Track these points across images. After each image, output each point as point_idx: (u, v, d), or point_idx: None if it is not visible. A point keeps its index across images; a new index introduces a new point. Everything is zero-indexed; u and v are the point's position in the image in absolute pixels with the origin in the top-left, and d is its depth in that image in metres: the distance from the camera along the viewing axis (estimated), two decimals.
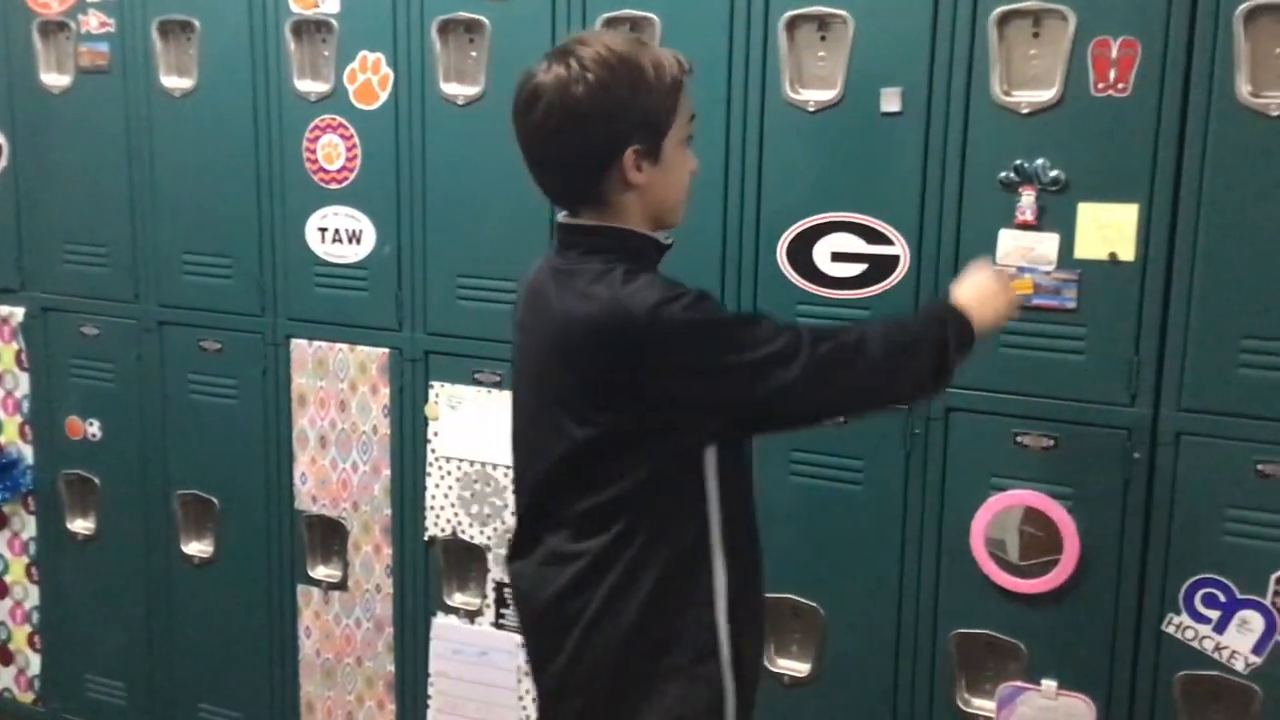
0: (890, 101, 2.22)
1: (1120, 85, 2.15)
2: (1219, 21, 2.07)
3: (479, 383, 2.79)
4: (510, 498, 2.72)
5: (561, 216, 1.80)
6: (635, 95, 1.66)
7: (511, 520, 2.74)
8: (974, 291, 1.91)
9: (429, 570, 2.91)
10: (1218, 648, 2.18)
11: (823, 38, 2.36)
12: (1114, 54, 2.15)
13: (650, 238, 1.76)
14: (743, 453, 1.85)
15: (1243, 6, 2.05)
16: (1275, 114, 2.05)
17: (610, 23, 2.53)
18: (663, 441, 1.70)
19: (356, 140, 2.84)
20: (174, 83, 3.03)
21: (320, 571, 3.06)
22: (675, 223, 1.81)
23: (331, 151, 2.87)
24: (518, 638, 2.79)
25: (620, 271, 1.67)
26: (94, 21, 3.07)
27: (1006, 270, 2.13)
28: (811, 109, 2.36)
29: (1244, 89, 2.06)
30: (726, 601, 1.75)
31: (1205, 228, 2.12)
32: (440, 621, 2.90)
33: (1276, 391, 2.10)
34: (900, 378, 1.79)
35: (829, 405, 1.83)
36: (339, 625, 3.04)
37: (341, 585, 3.02)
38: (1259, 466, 2.12)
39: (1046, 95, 2.20)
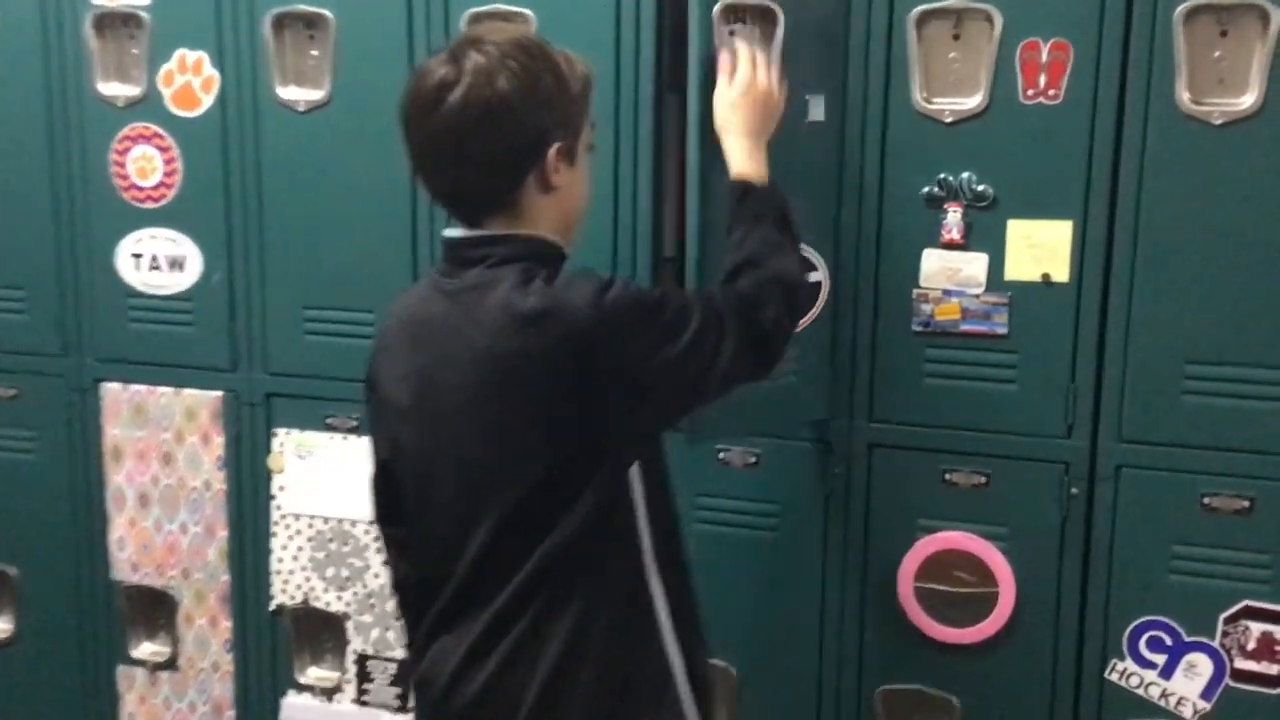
0: (816, 109, 1.99)
1: (1051, 92, 1.98)
2: (1156, 22, 1.92)
3: (331, 428, 2.46)
4: (373, 557, 2.41)
5: (456, 231, 1.57)
6: (557, 89, 1.52)
7: (375, 584, 2.43)
8: (743, 128, 1.77)
9: (276, 643, 2.55)
10: (1164, 694, 2.04)
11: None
12: (1044, 58, 1.98)
13: (559, 246, 1.58)
14: (663, 456, 1.64)
15: (1182, 6, 1.90)
16: (1218, 122, 1.92)
17: (478, 19, 2.23)
18: (604, 473, 1.51)
19: (176, 152, 2.46)
20: None
21: (145, 650, 2.68)
22: (573, 239, 1.63)
23: (145, 165, 2.48)
24: (385, 715, 2.47)
25: (541, 277, 1.49)
26: None
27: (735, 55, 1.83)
28: None
29: (1184, 96, 1.92)
30: (671, 622, 1.60)
31: (1144, 246, 1.98)
32: (291, 701, 2.55)
33: (1221, 419, 1.98)
34: (786, 280, 1.67)
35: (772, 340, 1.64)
36: (169, 710, 2.65)
37: (171, 664, 2.65)
38: (1205, 500, 2.00)
39: (971, 102, 2.02)
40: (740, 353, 1.56)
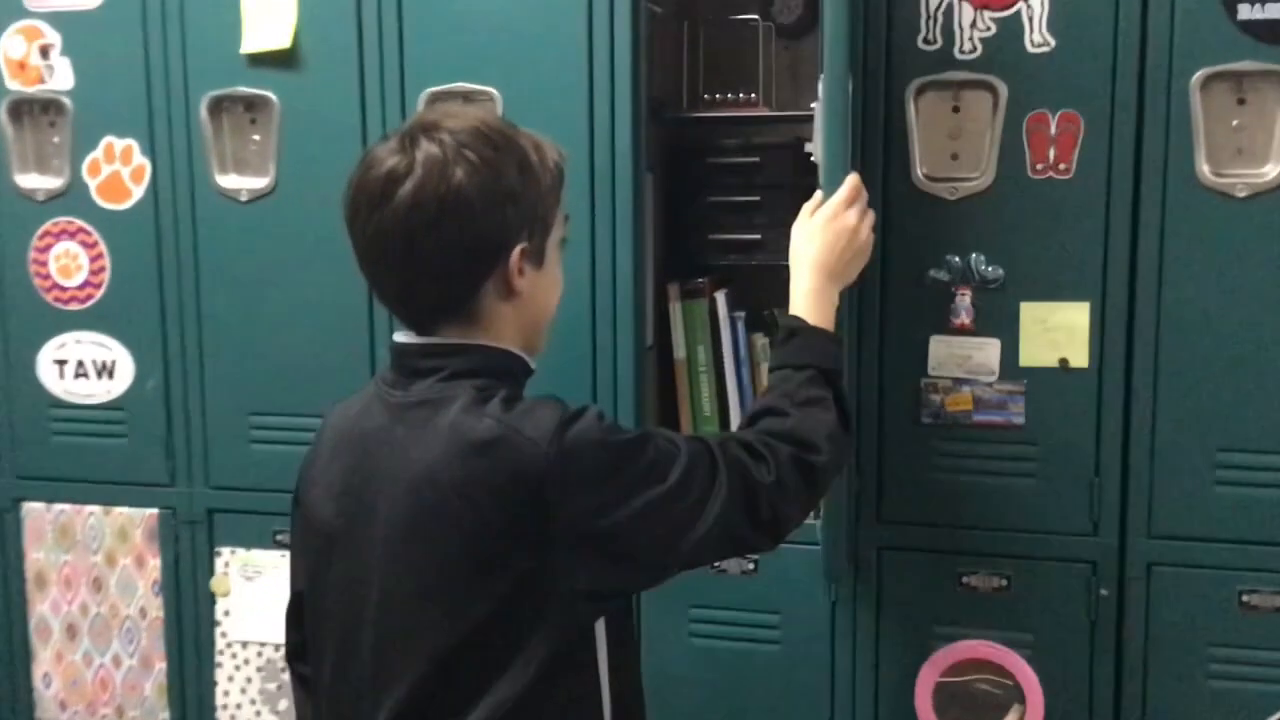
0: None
1: (1062, 166, 1.86)
2: (1171, 91, 1.81)
3: (282, 545, 2.22)
4: None
5: (405, 336, 1.40)
6: (523, 182, 1.35)
7: None
8: (816, 264, 1.60)
9: None
10: None
11: None
12: (1053, 130, 1.85)
13: (523, 359, 1.42)
14: (631, 614, 1.50)
15: (1199, 74, 1.79)
16: (1242, 195, 1.80)
17: (438, 98, 2.06)
18: (555, 629, 1.30)
19: (103, 248, 2.25)
20: None
21: None
22: (539, 348, 1.46)
23: (69, 263, 2.26)
24: None
25: (500, 397, 1.32)
26: None
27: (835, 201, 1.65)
28: None
29: (1204, 167, 1.80)
30: None
31: (1167, 327, 1.85)
32: None
33: (1259, 510, 1.84)
34: (815, 492, 1.48)
35: (777, 505, 1.41)
36: None
37: None
38: (1243, 597, 1.86)
39: (976, 178, 1.89)
40: (731, 515, 1.35)
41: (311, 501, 1.45)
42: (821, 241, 1.60)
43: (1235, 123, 1.81)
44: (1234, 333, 1.82)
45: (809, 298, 1.57)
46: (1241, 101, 1.81)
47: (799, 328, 1.55)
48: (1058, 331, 1.88)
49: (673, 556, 1.35)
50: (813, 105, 2.01)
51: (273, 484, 2.22)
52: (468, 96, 2.04)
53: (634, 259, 2.01)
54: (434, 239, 1.31)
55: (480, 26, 2.02)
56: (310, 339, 2.17)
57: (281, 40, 2.08)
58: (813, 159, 1.65)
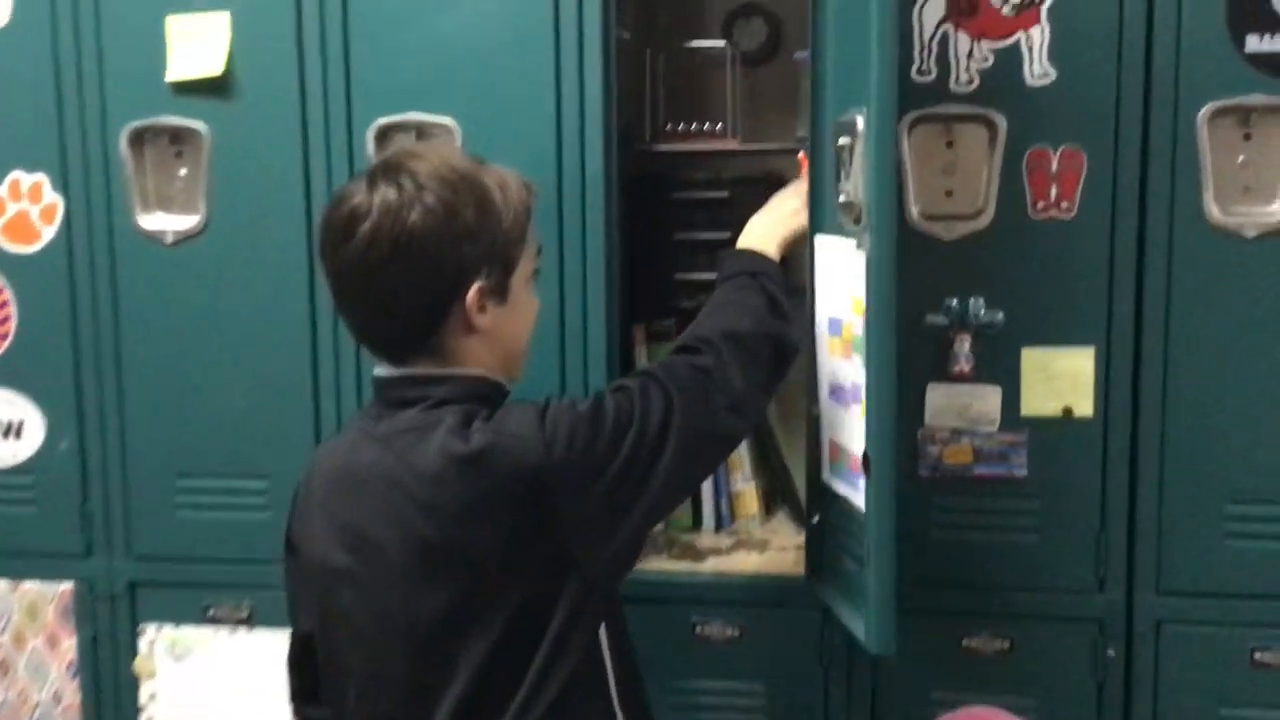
0: None
1: (1064, 204, 1.76)
2: (1178, 126, 1.72)
3: (215, 621, 2.04)
4: None
5: (384, 370, 1.45)
6: (481, 222, 1.39)
7: None
8: (766, 227, 1.76)
9: None
10: None
11: None
12: (1054, 167, 1.76)
13: (500, 383, 1.46)
14: (624, 619, 1.52)
15: (1206, 108, 1.71)
16: (1251, 235, 1.72)
17: (388, 131, 1.89)
18: (568, 634, 1.36)
19: (9, 295, 2.03)
20: None
21: None
22: (517, 376, 1.51)
23: None
24: None
25: (482, 415, 1.38)
26: None
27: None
28: None
29: (1212, 207, 1.72)
30: None
31: (1174, 374, 1.77)
32: None
33: (1271, 564, 1.77)
34: (762, 365, 1.56)
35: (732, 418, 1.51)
36: None
37: None
38: (1255, 655, 1.78)
39: (974, 217, 1.78)
40: (693, 412, 1.43)
41: (309, 545, 1.46)
42: (785, 228, 1.75)
43: (1241, 159, 1.74)
44: (1243, 380, 1.75)
45: (765, 240, 1.72)
46: (1248, 137, 1.74)
47: (729, 254, 1.71)
48: (1061, 379, 1.78)
49: (670, 479, 1.40)
50: (800, 137, 1.92)
51: (203, 553, 2.04)
52: (422, 128, 1.89)
53: (606, 298, 1.88)
54: (389, 277, 1.36)
55: (436, 53, 1.87)
56: (246, 393, 1.98)
57: (213, 67, 1.89)
58: (840, 199, 1.52)
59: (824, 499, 1.76)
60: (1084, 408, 1.79)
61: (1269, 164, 1.73)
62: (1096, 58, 1.73)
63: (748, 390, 1.51)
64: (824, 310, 1.71)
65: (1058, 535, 1.81)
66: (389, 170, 1.38)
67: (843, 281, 1.62)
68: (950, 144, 1.80)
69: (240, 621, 2.02)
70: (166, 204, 1.98)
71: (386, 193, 1.35)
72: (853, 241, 1.56)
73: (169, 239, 1.97)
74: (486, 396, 1.42)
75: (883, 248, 1.46)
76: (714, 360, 1.49)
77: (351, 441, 1.44)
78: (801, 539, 2.10)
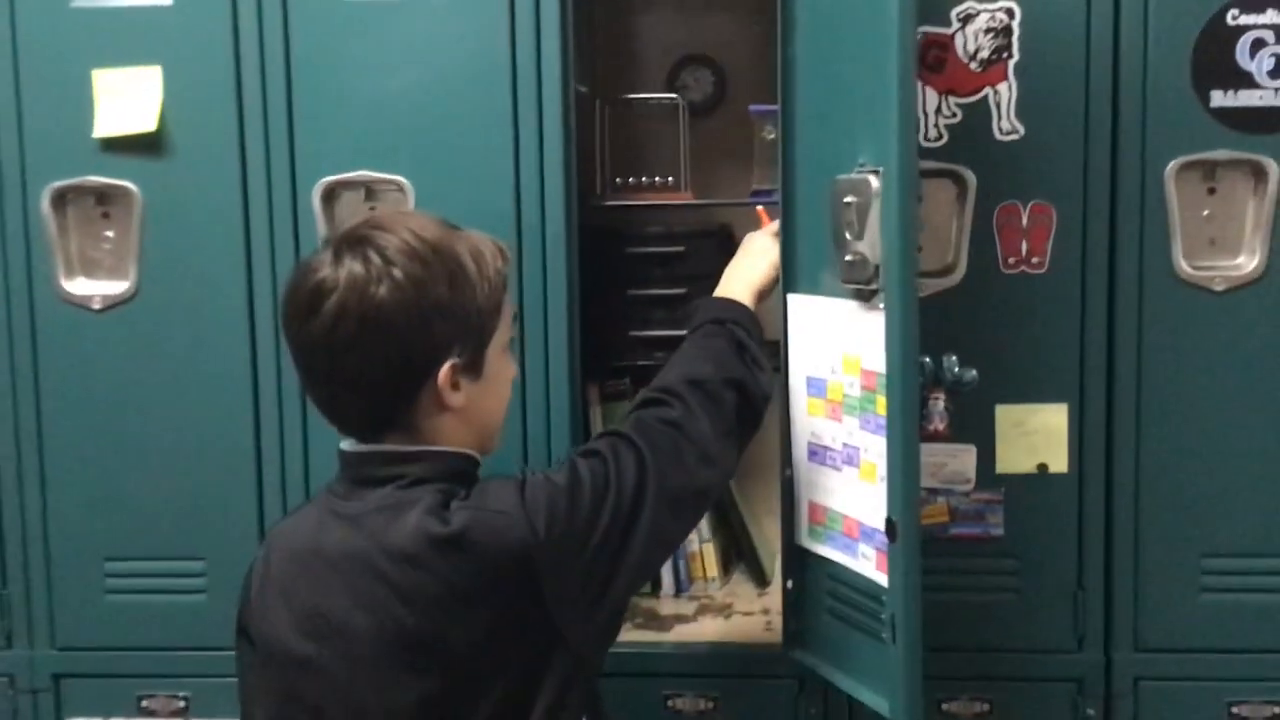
0: None
1: (1035, 260, 1.75)
2: (1145, 180, 1.72)
3: (149, 712, 1.91)
4: None
5: (351, 445, 1.37)
6: (454, 297, 1.32)
7: None
8: (740, 274, 1.71)
9: None
10: None
11: None
12: (1024, 222, 1.74)
13: (474, 458, 1.39)
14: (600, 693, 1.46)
15: (1173, 162, 1.71)
16: (1220, 289, 1.73)
17: (334, 190, 1.80)
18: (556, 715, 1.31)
19: None
20: None
21: None
22: (492, 449, 1.45)
23: None
24: None
25: (460, 495, 1.31)
26: None
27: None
28: None
29: (1181, 261, 1.72)
30: None
31: (1147, 427, 1.76)
32: None
33: (1244, 617, 1.77)
34: (727, 412, 1.51)
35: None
36: None
37: None
38: (1232, 709, 1.78)
39: (944, 273, 1.76)
40: (667, 469, 1.38)
41: (267, 631, 1.35)
42: (758, 272, 1.69)
43: (1206, 212, 1.75)
44: (1215, 432, 1.75)
45: (741, 290, 1.67)
46: (1212, 191, 1.74)
47: (700, 303, 1.66)
48: (1035, 435, 1.76)
49: (651, 542, 1.35)
50: (756, 190, 1.88)
51: (135, 641, 1.91)
52: (371, 187, 1.80)
53: (569, 361, 1.81)
54: (356, 356, 1.29)
55: (386, 107, 1.78)
56: (180, 470, 1.86)
57: (144, 123, 1.78)
58: (847, 259, 1.48)
59: (800, 563, 1.71)
60: (1059, 464, 1.77)
61: (1232, 217, 1.75)
62: (1064, 113, 1.72)
63: (716, 440, 1.47)
64: (800, 369, 1.66)
65: (1035, 594, 1.79)
66: (355, 242, 1.30)
67: (829, 340, 1.58)
68: (919, 199, 1.78)
69: (176, 713, 1.88)
70: (91, 268, 1.86)
71: (353, 266, 1.28)
72: (851, 303, 1.52)
73: (96, 304, 1.84)
74: (462, 473, 1.36)
75: (907, 309, 1.41)
76: (681, 412, 1.45)
77: (316, 520, 1.35)
78: (764, 602, 2.07)
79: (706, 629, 1.96)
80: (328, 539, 1.32)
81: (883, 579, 1.49)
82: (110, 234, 1.85)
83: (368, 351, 1.28)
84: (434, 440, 1.34)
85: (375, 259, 1.28)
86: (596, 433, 1.73)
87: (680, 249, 2.07)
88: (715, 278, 1.98)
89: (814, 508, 1.65)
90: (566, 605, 1.28)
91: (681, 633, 1.94)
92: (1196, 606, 1.77)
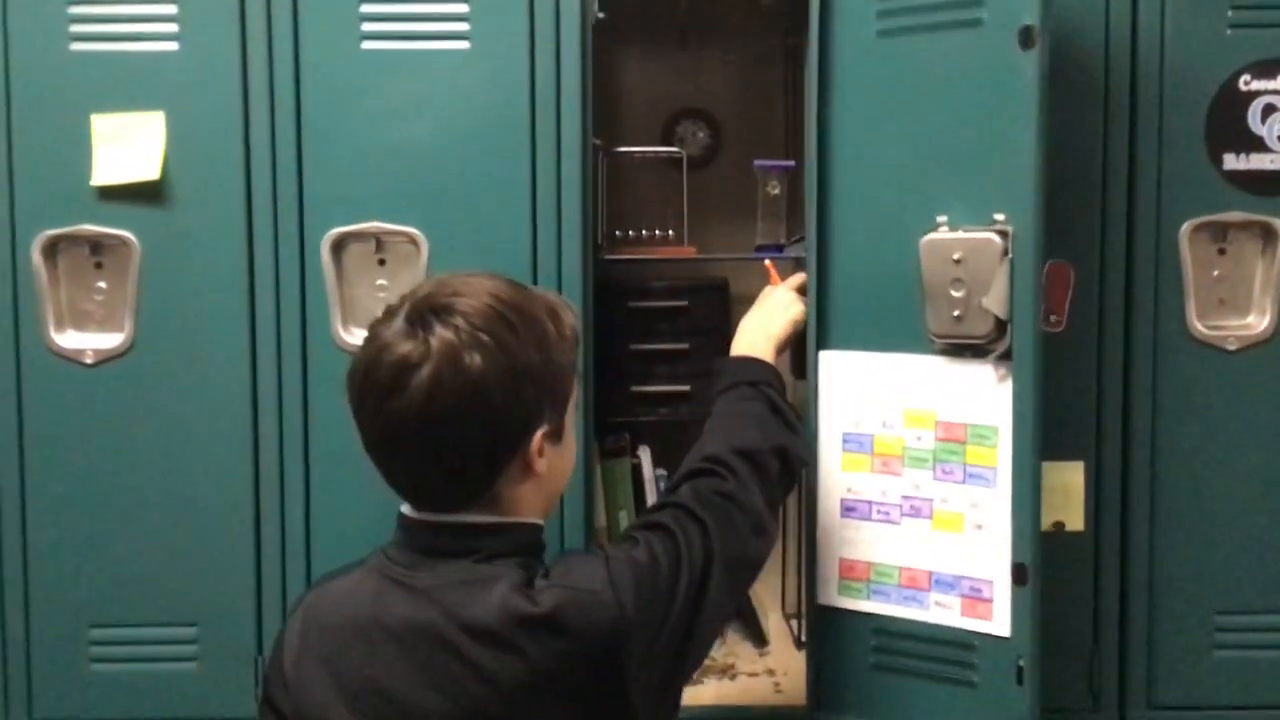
0: None
1: (1053, 318, 1.75)
2: (1160, 242, 1.74)
3: None
4: None
5: (419, 513, 1.31)
6: (542, 359, 1.29)
7: None
8: (760, 328, 1.71)
9: None
10: None
11: None
12: (1043, 281, 1.74)
13: (542, 527, 1.37)
14: None
15: (1187, 224, 1.73)
16: (1233, 348, 1.75)
17: (343, 241, 1.74)
18: None
19: None
20: None
21: None
22: (554, 511, 1.51)
23: None
24: None
25: (541, 572, 1.28)
26: None
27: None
28: None
29: (1195, 321, 1.74)
30: None
31: (1161, 485, 1.77)
32: None
33: (1258, 674, 1.78)
34: (773, 481, 1.52)
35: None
36: None
37: None
38: None
39: None
40: (729, 540, 1.38)
41: (309, 706, 1.28)
42: (779, 326, 1.69)
43: (1216, 273, 1.77)
44: (1228, 490, 1.77)
45: (763, 347, 1.67)
46: (1222, 251, 1.77)
47: (727, 363, 1.66)
48: (1053, 493, 1.76)
49: (715, 619, 1.37)
50: (761, 244, 1.89)
51: (121, 713, 1.82)
52: (382, 239, 1.75)
53: (585, 424, 1.76)
54: (452, 430, 1.24)
55: (398, 157, 1.74)
56: (173, 531, 1.77)
57: (147, 171, 1.71)
58: (955, 314, 1.54)
59: (828, 620, 1.69)
60: (1075, 522, 1.77)
61: (1242, 278, 1.77)
62: (1079, 176, 1.74)
63: (765, 510, 1.47)
64: (835, 426, 1.65)
65: (1052, 652, 1.75)
66: (437, 310, 1.26)
67: (881, 395, 1.63)
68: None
69: None
70: (81, 320, 1.77)
71: (444, 335, 1.23)
72: (936, 359, 1.58)
73: (88, 358, 1.76)
74: (534, 544, 1.34)
75: (1038, 361, 1.51)
76: (735, 485, 1.44)
77: (374, 589, 1.29)
78: (766, 662, 2.04)
79: (713, 693, 1.92)
80: (391, 611, 1.26)
81: (973, 625, 1.55)
82: (103, 285, 1.76)
83: (464, 425, 1.24)
84: (514, 509, 1.31)
85: (464, 326, 1.24)
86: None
87: (684, 303, 2.05)
88: (717, 333, 2.00)
89: (849, 564, 1.63)
90: (644, 684, 1.26)
91: (691, 696, 1.89)
92: (1210, 663, 1.78)
